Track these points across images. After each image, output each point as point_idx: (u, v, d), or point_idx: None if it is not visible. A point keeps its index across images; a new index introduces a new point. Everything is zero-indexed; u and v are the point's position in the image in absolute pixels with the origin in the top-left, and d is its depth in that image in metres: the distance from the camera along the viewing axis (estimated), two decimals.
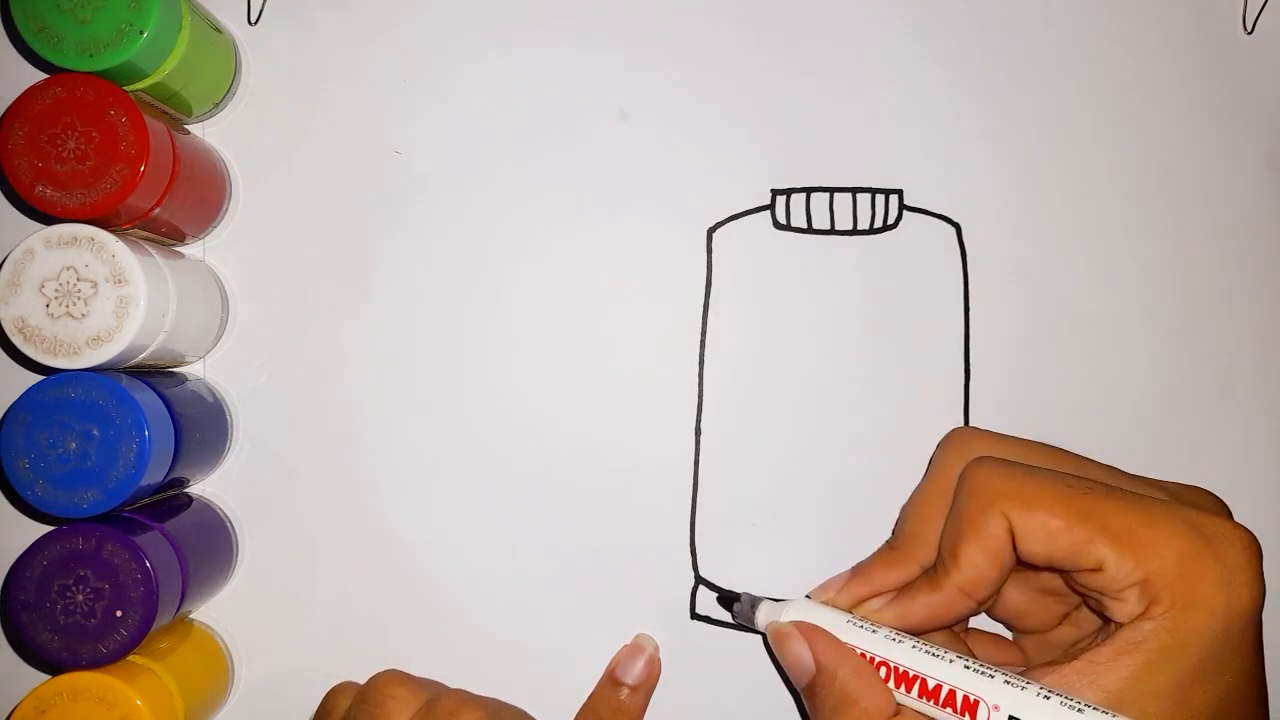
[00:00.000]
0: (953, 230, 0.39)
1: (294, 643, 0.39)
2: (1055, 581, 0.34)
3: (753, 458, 0.39)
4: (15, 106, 0.33)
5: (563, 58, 0.40)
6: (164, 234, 0.37)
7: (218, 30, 0.38)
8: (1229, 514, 0.32)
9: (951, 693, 0.30)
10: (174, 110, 0.37)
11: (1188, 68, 0.40)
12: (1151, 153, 0.40)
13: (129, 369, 0.35)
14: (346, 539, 0.39)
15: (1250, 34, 0.40)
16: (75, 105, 0.33)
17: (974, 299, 0.39)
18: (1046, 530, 0.30)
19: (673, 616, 0.39)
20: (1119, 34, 0.40)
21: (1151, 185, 0.40)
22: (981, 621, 0.37)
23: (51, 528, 0.33)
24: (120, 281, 0.33)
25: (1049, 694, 0.29)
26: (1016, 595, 0.35)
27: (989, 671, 0.30)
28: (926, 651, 0.32)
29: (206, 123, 0.39)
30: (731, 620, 0.38)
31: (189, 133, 0.38)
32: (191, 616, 0.39)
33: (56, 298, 0.33)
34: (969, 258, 0.39)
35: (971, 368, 0.39)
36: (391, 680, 0.35)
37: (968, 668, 0.31)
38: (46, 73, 0.36)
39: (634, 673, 0.38)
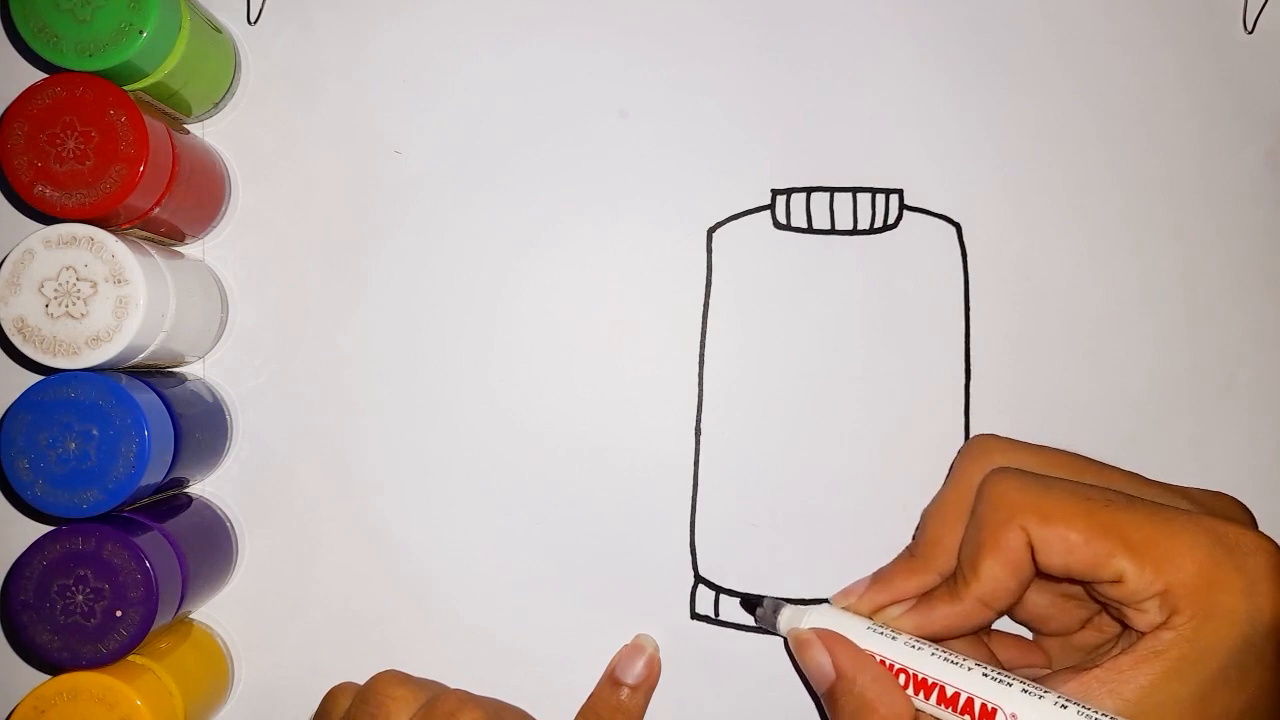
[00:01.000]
0: (953, 230, 0.39)
1: (294, 643, 0.39)
2: (1077, 587, 0.34)
3: (753, 458, 0.39)
4: (15, 106, 0.33)
5: (563, 57, 0.40)
6: (164, 234, 0.37)
7: (217, 30, 0.38)
8: (1253, 522, 0.32)
9: (970, 700, 0.31)
10: (174, 110, 0.37)
11: (1188, 68, 0.40)
12: (1152, 152, 0.40)
13: (129, 369, 0.35)
14: (346, 539, 0.39)
15: (1250, 34, 0.40)
16: (75, 105, 0.33)
17: (974, 299, 0.39)
18: (1066, 544, 0.30)
19: (673, 616, 0.39)
20: (1119, 34, 0.40)
21: (1152, 185, 0.40)
22: (1005, 623, 0.37)
23: (51, 528, 0.33)
24: (120, 281, 0.33)
25: (1066, 703, 0.29)
26: (1039, 600, 0.35)
27: (1007, 679, 0.31)
28: (946, 659, 0.32)
29: (206, 122, 0.39)
30: (735, 622, 0.38)
31: (189, 132, 0.38)
32: (191, 616, 0.39)
33: (56, 298, 0.33)
34: (969, 257, 0.39)
35: (972, 367, 0.39)
36: (391, 680, 0.34)
37: (986, 675, 0.31)
38: (46, 72, 0.36)
39: (634, 673, 0.38)
